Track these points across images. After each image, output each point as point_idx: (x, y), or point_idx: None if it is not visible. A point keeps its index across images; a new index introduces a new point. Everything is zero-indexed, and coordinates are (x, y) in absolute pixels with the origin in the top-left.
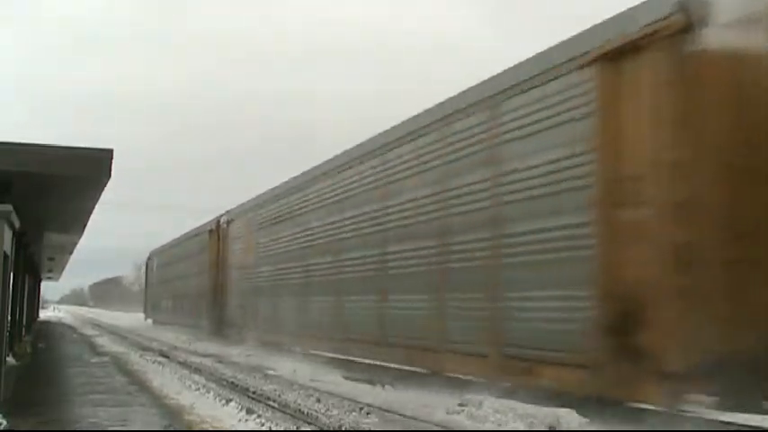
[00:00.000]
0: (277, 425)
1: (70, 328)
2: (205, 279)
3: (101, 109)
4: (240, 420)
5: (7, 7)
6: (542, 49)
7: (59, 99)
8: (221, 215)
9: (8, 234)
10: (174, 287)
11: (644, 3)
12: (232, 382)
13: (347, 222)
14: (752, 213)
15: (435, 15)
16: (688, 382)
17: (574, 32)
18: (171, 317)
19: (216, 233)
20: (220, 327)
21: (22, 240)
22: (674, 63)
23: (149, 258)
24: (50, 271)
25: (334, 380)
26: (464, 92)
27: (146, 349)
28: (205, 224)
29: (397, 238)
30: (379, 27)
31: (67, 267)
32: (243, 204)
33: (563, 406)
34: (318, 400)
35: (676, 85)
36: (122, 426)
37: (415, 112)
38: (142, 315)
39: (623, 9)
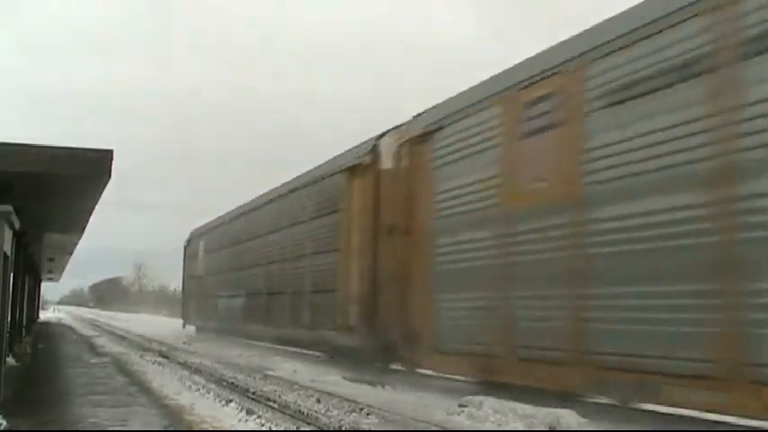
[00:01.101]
0: (277, 425)
1: (70, 329)
2: (342, 260)
3: (101, 109)
4: (240, 421)
5: (7, 7)
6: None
7: (59, 99)
8: (380, 135)
9: (8, 234)
10: (245, 278)
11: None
12: (232, 383)
13: None
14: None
15: (435, 15)
16: None
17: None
18: (238, 324)
19: (371, 170)
20: (394, 351)
21: (23, 241)
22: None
23: (188, 243)
24: (50, 271)
25: (334, 380)
26: None
27: (145, 350)
28: (333, 159)
29: None
30: (379, 27)
31: (67, 268)
32: (492, 81)
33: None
34: (318, 401)
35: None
36: (122, 426)
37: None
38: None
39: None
